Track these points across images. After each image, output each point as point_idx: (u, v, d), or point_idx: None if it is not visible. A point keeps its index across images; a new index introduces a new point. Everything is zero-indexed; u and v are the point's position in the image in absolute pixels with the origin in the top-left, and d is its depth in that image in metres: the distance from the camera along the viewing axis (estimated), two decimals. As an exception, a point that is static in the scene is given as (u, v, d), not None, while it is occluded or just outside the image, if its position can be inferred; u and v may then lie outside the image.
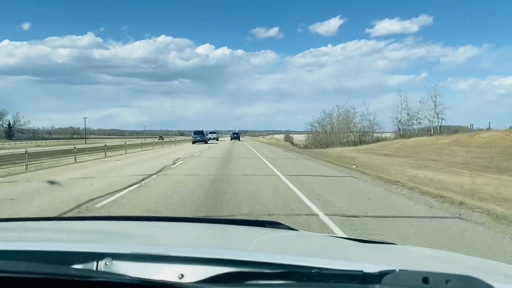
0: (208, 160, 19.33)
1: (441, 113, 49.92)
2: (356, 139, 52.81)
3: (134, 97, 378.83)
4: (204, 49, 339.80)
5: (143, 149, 34.74)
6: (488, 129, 34.07)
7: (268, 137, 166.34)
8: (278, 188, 9.68)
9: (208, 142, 52.33)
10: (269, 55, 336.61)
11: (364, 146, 39.01)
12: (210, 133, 65.26)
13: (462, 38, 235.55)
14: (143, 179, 11.46)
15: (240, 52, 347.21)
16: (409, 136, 43.28)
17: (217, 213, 6.73)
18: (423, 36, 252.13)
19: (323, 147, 56.22)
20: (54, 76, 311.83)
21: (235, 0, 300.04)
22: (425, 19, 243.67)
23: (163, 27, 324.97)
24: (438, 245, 4.73)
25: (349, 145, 48.84)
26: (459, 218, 6.30)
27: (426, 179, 11.99)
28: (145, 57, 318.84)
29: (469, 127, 44.98)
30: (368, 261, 1.32)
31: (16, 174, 14.37)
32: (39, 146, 63.35)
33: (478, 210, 6.64)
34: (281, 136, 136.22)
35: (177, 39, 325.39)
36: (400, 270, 1.01)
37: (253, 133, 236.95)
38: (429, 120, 51.03)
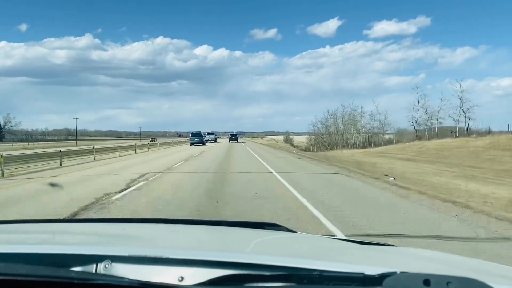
0: (189, 178, 12.21)
1: (469, 111, 43.99)
2: (364, 141, 48.98)
3: (132, 99, 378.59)
4: (202, 50, 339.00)
5: (121, 154, 31.17)
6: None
7: (267, 138, 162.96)
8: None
9: (206, 143, 50.98)
10: (267, 57, 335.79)
11: (376, 149, 35.52)
12: (208, 134, 64.02)
13: (460, 39, 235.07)
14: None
15: (238, 53, 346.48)
16: (428, 137, 39.61)
17: None
18: (421, 38, 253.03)
19: (327, 149, 52.75)
20: (51, 77, 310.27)
21: (233, 2, 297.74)
22: (422, 21, 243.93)
23: (161, 29, 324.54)
24: None
25: (356, 147, 45.32)
26: None
27: (505, 199, 8.55)
28: (143, 59, 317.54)
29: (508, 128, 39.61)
30: (368, 263, 1.34)
31: None
32: (25, 148, 59.93)
33: None
34: (280, 138, 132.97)
35: (175, 41, 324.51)
36: (401, 273, 1.02)
37: (251, 134, 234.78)
38: (454, 120, 45.49)
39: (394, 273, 1.01)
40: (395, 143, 40.76)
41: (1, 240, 1.63)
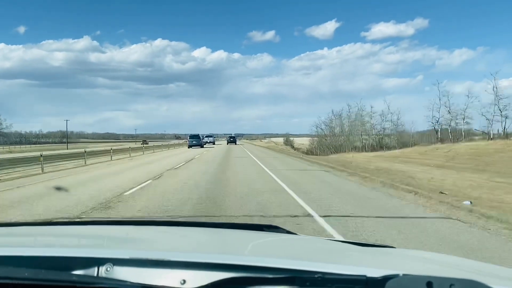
0: (173, 195, 9.00)
1: (505, 109, 37.58)
2: (375, 143, 44.88)
3: (130, 101, 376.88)
4: (200, 52, 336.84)
5: (113, 158, 27.42)
6: None
7: (266, 140, 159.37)
8: None
9: (204, 146, 49.99)
10: (265, 59, 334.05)
11: (390, 152, 31.85)
12: (206, 136, 63.19)
13: (458, 41, 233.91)
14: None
15: (236, 55, 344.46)
16: (452, 139, 35.70)
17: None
18: (419, 39, 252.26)
19: (332, 152, 49.12)
20: (50, 79, 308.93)
21: (232, 4, 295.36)
22: (420, 22, 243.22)
23: (159, 31, 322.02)
24: None
25: (365, 150, 41.63)
26: None
27: None
28: (141, 61, 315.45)
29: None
30: (370, 265, 1.34)
31: None
32: (11, 152, 56.21)
33: None
34: (279, 140, 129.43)
35: (173, 43, 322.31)
36: (403, 275, 1.01)
37: (250, 136, 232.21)
38: (487, 119, 38.93)
39: (397, 275, 1.00)
40: (411, 145, 37.08)
41: (3, 243, 1.61)
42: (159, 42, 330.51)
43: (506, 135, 32.83)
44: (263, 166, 17.88)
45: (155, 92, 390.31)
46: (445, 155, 22.88)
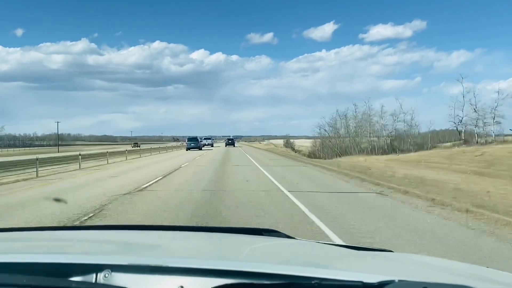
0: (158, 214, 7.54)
1: None
2: (385, 145, 41.16)
3: (128, 103, 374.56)
4: (198, 54, 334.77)
5: (99, 163, 24.11)
6: None
7: (265, 142, 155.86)
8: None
9: (203, 148, 49.59)
10: (263, 61, 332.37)
11: (406, 156, 28.56)
12: (204, 139, 63.10)
13: (455, 42, 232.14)
14: None
15: (234, 57, 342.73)
16: (478, 141, 32.21)
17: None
18: (417, 41, 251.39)
19: (338, 155, 45.86)
20: (48, 82, 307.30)
21: (230, 6, 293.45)
22: (418, 24, 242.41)
23: (157, 33, 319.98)
24: None
25: (375, 153, 38.30)
26: None
27: None
28: (139, 63, 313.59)
29: None
30: (367, 270, 1.32)
31: None
32: (-3, 156, 52.97)
33: None
34: (279, 141, 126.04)
35: (171, 45, 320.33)
36: (399, 281, 1.01)
37: (248, 138, 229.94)
38: None
39: (393, 281, 1.00)
40: (429, 148, 33.73)
41: (1, 249, 1.60)
42: (157, 45, 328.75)
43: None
44: (265, 172, 14.68)
45: (153, 94, 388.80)
46: (477, 160, 19.63)
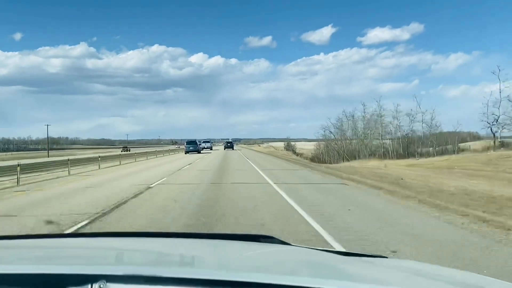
0: None
1: None
2: (401, 148, 36.99)
3: (127, 107, 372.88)
4: (197, 58, 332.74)
5: (89, 169, 20.51)
6: None
7: (264, 145, 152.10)
8: None
9: (201, 152, 49.25)
10: (262, 64, 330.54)
11: (430, 160, 24.86)
12: (203, 142, 62.72)
13: (453, 45, 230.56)
14: None
15: (233, 61, 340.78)
16: None
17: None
18: (414, 44, 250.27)
19: (345, 159, 42.23)
20: (47, 86, 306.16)
21: (228, 10, 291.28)
22: (416, 27, 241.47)
23: (156, 37, 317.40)
24: None
25: (388, 157, 34.58)
26: None
27: None
28: (138, 67, 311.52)
29: None
30: (362, 280, 1.34)
31: None
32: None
33: None
34: (278, 144, 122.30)
35: (170, 49, 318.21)
36: None
37: (247, 141, 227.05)
38: None
39: None
40: (456, 152, 29.97)
41: None
42: (156, 48, 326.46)
43: None
44: (275, 186, 11.12)
45: (152, 98, 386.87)
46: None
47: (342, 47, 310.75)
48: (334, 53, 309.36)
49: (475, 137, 58.27)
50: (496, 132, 31.84)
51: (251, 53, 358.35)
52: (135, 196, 10.47)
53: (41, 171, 19.23)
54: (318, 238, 5.80)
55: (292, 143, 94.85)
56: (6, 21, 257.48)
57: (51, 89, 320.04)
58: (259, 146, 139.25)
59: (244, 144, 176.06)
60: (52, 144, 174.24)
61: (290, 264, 1.59)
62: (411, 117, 39.58)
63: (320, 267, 1.55)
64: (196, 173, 18.04)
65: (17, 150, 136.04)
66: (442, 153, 30.65)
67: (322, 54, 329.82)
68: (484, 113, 34.01)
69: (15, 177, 15.54)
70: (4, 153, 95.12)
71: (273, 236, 2.01)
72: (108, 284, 1.09)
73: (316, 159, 52.64)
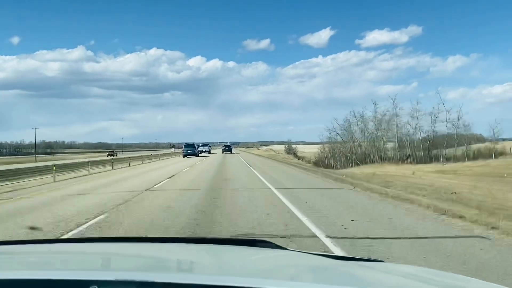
0: None
1: None
2: (423, 152, 33.07)
3: (125, 110, 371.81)
4: (195, 61, 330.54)
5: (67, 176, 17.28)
6: None
7: (264, 148, 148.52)
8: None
9: (200, 155, 48.70)
10: (260, 67, 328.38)
11: (462, 166, 21.37)
12: (202, 145, 62.57)
13: (451, 48, 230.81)
14: None
15: (231, 64, 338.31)
16: None
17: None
18: (413, 47, 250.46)
19: (353, 164, 38.79)
20: (44, 90, 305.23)
21: (227, 13, 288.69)
22: (414, 30, 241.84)
23: (154, 40, 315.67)
24: None
25: (406, 162, 31.00)
26: None
27: None
28: (136, 70, 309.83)
29: None
30: (358, 284, 1.32)
31: None
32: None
33: None
34: (279, 147, 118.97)
35: (168, 52, 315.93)
36: None
37: (246, 144, 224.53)
38: None
39: None
40: (493, 156, 26.52)
41: None
42: (154, 51, 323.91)
43: None
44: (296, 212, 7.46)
45: (150, 101, 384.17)
46: None
47: (341, 49, 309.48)
48: (332, 55, 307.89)
49: (479, 139, 57.02)
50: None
51: (249, 56, 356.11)
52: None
53: (21, 178, 17.84)
54: None
55: (293, 146, 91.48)
56: (3, 26, 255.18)
57: (49, 93, 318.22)
58: (258, 149, 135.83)
59: (243, 147, 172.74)
60: (45, 148, 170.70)
61: (288, 269, 1.58)
62: (433, 116, 35.73)
63: (318, 272, 1.53)
64: (190, 180, 14.55)
65: (10, 155, 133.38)
66: (474, 157, 27.14)
67: (320, 56, 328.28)
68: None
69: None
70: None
71: (270, 241, 1.99)
72: None
73: (321, 163, 49.20)
